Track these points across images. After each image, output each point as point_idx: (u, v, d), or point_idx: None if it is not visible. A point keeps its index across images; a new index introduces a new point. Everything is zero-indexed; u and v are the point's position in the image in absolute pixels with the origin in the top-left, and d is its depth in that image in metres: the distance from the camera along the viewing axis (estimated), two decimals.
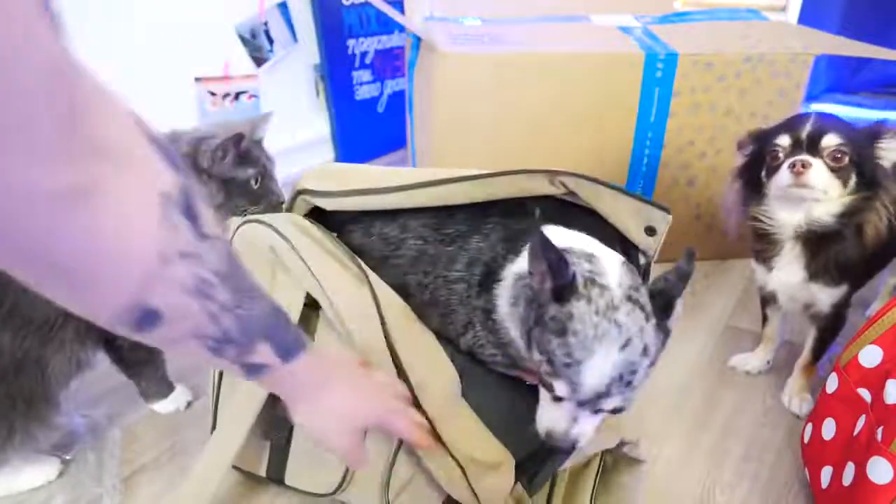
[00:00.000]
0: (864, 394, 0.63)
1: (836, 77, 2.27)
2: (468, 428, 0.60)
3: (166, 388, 0.84)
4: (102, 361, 0.79)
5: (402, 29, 1.75)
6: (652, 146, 1.11)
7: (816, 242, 0.76)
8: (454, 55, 1.01)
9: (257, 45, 1.54)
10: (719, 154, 1.13)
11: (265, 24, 1.55)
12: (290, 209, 0.72)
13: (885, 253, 0.81)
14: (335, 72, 1.69)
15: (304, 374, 0.50)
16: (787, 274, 0.79)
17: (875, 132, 0.73)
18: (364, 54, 1.75)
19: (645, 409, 0.81)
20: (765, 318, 0.92)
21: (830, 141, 0.72)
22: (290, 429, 0.67)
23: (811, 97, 2.14)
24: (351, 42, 1.71)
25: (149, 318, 0.36)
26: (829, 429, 0.67)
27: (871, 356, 0.64)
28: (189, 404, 0.85)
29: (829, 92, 2.28)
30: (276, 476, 0.69)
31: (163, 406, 0.84)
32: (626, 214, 0.61)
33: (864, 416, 0.62)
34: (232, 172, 0.73)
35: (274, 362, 0.46)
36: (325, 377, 0.52)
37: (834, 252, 0.76)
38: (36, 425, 0.69)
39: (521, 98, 1.05)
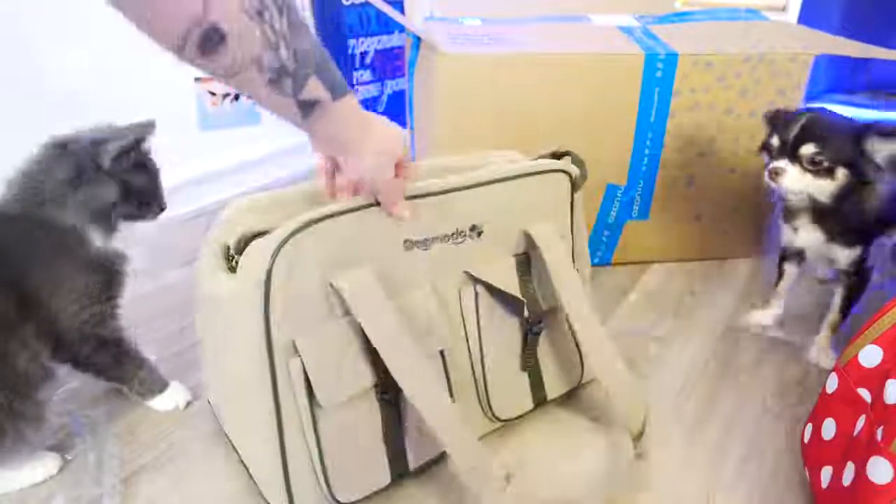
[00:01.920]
0: (864, 394, 0.63)
1: (836, 77, 2.27)
2: None
3: (158, 385, 0.84)
4: None
5: (402, 29, 1.75)
6: (652, 146, 1.11)
7: (822, 213, 0.89)
8: (454, 55, 1.01)
9: None
10: (719, 154, 1.13)
11: None
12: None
13: (890, 215, 0.93)
14: None
15: (352, 113, 0.56)
16: (809, 235, 0.92)
17: (859, 135, 0.82)
18: (364, 54, 1.75)
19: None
20: (780, 274, 1.02)
21: (807, 150, 0.84)
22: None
23: (811, 97, 2.14)
24: (351, 42, 1.71)
25: (213, 37, 0.43)
26: (829, 429, 0.67)
27: (871, 356, 0.64)
28: (189, 403, 0.85)
29: (829, 92, 2.28)
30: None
31: (160, 403, 0.84)
32: None
33: (864, 416, 0.62)
34: (128, 176, 0.76)
35: (325, 98, 0.52)
36: (366, 118, 0.59)
37: (839, 221, 0.88)
38: (23, 422, 0.69)
39: (521, 98, 1.05)
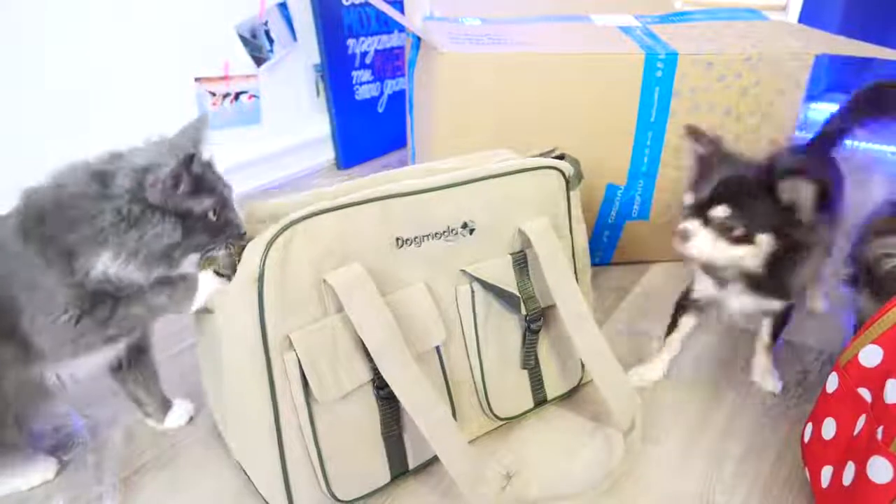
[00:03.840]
0: (865, 393, 0.63)
1: (837, 77, 2.27)
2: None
3: (162, 408, 0.82)
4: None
5: (402, 29, 1.75)
6: (652, 146, 1.11)
7: (755, 278, 0.76)
8: (454, 55, 1.01)
9: (257, 45, 1.54)
10: None
11: (265, 24, 1.55)
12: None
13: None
14: (335, 72, 1.69)
15: None
16: (740, 302, 0.80)
17: (767, 179, 0.69)
18: (364, 54, 1.75)
19: (645, 409, 0.81)
20: (674, 325, 0.89)
21: (719, 213, 0.70)
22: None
23: (811, 97, 2.14)
24: (351, 42, 1.71)
25: None
26: (829, 428, 0.67)
27: (871, 356, 0.64)
28: (191, 419, 0.84)
29: (829, 92, 2.27)
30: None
31: (169, 422, 0.83)
32: None
33: (864, 415, 0.62)
34: (187, 204, 0.60)
35: None
36: None
37: (774, 281, 0.76)
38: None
39: (521, 98, 1.05)
